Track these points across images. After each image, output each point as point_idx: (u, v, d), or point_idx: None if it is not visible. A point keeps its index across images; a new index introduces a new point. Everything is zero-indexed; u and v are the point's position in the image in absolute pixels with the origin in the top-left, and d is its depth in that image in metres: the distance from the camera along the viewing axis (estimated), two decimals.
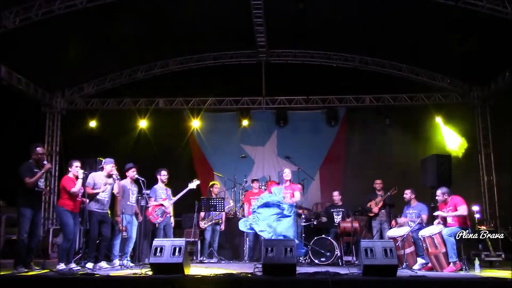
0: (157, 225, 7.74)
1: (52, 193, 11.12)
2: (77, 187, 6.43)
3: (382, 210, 8.38)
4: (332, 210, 8.83)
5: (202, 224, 8.80)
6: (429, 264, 6.76)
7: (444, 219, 6.88)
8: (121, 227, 7.23)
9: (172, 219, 8.02)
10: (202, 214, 8.93)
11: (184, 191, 8.02)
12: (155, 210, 7.75)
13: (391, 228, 7.98)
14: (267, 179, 10.43)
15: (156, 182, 8.02)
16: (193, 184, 8.11)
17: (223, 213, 8.81)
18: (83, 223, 6.69)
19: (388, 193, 8.29)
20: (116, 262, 7.04)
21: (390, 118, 11.76)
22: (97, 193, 6.77)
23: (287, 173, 7.54)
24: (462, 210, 6.63)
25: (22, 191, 6.09)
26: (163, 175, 8.01)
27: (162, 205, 7.79)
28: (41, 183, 6.28)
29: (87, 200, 6.62)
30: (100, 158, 7.81)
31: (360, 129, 12.12)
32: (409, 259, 6.97)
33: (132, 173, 7.46)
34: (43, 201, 11.03)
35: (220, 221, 8.86)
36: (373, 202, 8.44)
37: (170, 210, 7.93)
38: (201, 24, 10.26)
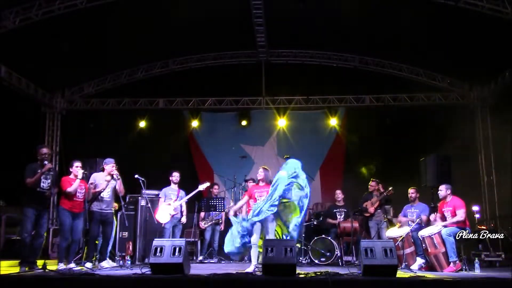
0: (163, 225, 7.76)
1: (54, 194, 11.11)
2: (73, 187, 6.46)
3: (378, 210, 8.38)
4: (334, 210, 8.83)
5: (202, 224, 8.83)
6: (425, 265, 6.78)
7: (443, 219, 6.89)
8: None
9: (184, 218, 8.06)
10: (202, 214, 8.96)
11: (193, 192, 8.08)
12: (161, 211, 7.78)
13: (389, 228, 8.00)
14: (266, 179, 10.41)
15: (156, 183, 8.05)
16: (203, 186, 8.19)
17: (223, 213, 8.83)
18: (85, 223, 6.71)
19: (385, 194, 8.29)
20: (106, 262, 7.04)
21: (390, 118, 11.79)
22: (99, 193, 6.78)
23: (260, 173, 6.73)
24: (460, 215, 6.65)
25: (25, 191, 6.14)
26: (175, 176, 8.04)
27: (169, 205, 7.82)
28: (45, 184, 6.27)
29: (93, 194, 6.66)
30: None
31: (360, 129, 12.11)
32: (408, 259, 6.97)
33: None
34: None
35: (220, 221, 8.88)
36: (369, 203, 8.44)
37: (181, 210, 7.94)
38: (201, 24, 10.26)
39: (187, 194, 8.09)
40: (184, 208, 8.07)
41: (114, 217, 7.64)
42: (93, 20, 9.50)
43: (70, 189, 6.44)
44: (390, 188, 8.27)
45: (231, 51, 12.26)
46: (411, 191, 7.68)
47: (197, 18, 9.95)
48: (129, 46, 10.84)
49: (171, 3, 9.45)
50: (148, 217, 8.11)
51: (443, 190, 6.92)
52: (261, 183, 6.58)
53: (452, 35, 9.63)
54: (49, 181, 6.32)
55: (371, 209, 8.37)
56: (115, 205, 7.58)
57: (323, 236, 8.20)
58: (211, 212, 8.81)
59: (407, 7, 9.20)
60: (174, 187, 8.05)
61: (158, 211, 7.80)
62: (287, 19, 10.40)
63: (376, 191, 8.50)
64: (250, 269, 5.94)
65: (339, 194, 8.93)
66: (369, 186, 8.60)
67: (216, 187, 9.32)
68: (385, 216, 8.27)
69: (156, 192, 8.23)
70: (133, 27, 9.86)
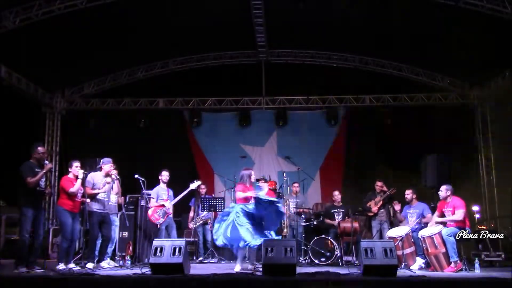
0: (158, 226, 7.73)
1: (53, 193, 11.15)
2: (75, 187, 6.44)
3: (382, 210, 8.38)
4: (332, 211, 8.84)
5: (191, 225, 8.82)
6: (425, 265, 6.79)
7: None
8: None
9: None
10: (190, 215, 8.96)
11: (185, 191, 8.00)
12: (156, 211, 7.75)
13: (390, 227, 8.00)
14: (267, 179, 10.43)
15: (158, 183, 8.03)
16: (194, 185, 8.11)
17: (212, 213, 8.80)
18: (83, 223, 6.70)
19: (388, 193, 8.29)
20: (106, 262, 7.03)
21: (390, 118, 11.81)
22: (97, 193, 6.77)
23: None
24: (458, 215, 6.64)
25: (23, 191, 6.11)
26: (164, 175, 8.00)
27: (163, 205, 7.79)
28: (42, 183, 6.28)
29: (88, 200, 6.63)
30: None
31: (360, 129, 12.12)
32: (408, 259, 6.97)
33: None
34: (43, 201, 11.03)
35: (209, 221, 8.86)
36: (372, 202, 8.44)
37: (171, 211, 7.93)
38: (201, 24, 10.25)
39: (175, 193, 8.04)
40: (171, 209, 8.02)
41: (117, 217, 7.63)
42: (93, 20, 9.49)
43: (73, 190, 6.43)
44: (393, 188, 8.27)
45: (231, 51, 12.25)
46: (407, 192, 7.68)
47: (197, 18, 9.95)
48: (129, 46, 10.84)
49: (171, 3, 9.44)
50: (148, 217, 8.11)
51: (443, 191, 6.92)
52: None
53: (452, 35, 9.62)
54: (44, 179, 6.34)
55: (375, 209, 8.37)
56: (121, 198, 7.62)
57: (323, 236, 8.20)
58: (199, 212, 8.82)
59: (407, 7, 9.20)
60: (163, 186, 7.99)
61: (151, 211, 7.75)
62: (287, 19, 10.39)
63: (380, 192, 8.50)
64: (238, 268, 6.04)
65: (337, 195, 8.93)
66: (375, 186, 8.57)
67: (202, 186, 9.25)
68: (389, 215, 8.29)
69: None
70: (133, 27, 9.86)
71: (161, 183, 7.99)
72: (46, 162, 6.30)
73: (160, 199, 7.84)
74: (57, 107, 12.38)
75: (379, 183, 8.56)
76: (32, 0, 8.85)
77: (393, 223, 8.33)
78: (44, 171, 6.20)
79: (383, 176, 8.96)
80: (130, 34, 10.07)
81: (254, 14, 9.97)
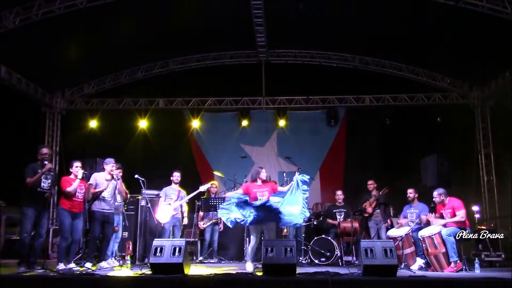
0: (162, 225, 7.74)
1: (53, 193, 11.14)
2: (72, 187, 6.45)
3: (377, 210, 8.39)
4: (334, 210, 8.83)
5: (201, 224, 8.82)
6: (425, 266, 6.79)
7: (441, 218, 6.88)
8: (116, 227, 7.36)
9: (186, 220, 8.07)
10: (201, 214, 8.96)
11: (194, 193, 8.04)
12: (161, 211, 7.77)
13: (387, 227, 8.00)
14: (267, 180, 10.42)
15: (156, 182, 8.04)
16: (204, 187, 8.15)
17: None
18: (86, 223, 6.71)
19: (380, 193, 8.29)
20: (110, 262, 7.04)
21: (390, 118, 11.81)
22: (100, 193, 6.78)
23: (264, 173, 7.13)
24: (461, 215, 6.63)
25: (25, 191, 6.14)
26: (175, 176, 8.03)
27: (170, 205, 7.81)
28: (46, 184, 6.28)
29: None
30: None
31: (360, 129, 12.12)
32: (408, 259, 6.97)
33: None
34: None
35: (219, 221, 8.86)
36: (367, 203, 8.45)
37: (181, 210, 7.91)
38: (201, 24, 10.27)
39: (187, 194, 8.08)
40: (185, 209, 8.05)
41: (121, 217, 7.64)
42: (93, 20, 9.50)
43: (69, 189, 6.44)
44: (385, 187, 8.27)
45: (231, 51, 12.27)
46: (410, 191, 7.67)
47: (197, 18, 9.96)
48: (129, 46, 10.85)
49: (171, 3, 9.45)
50: (148, 217, 8.11)
51: (436, 197, 6.89)
52: (259, 182, 6.78)
53: (452, 35, 9.62)
54: (49, 181, 6.33)
55: (369, 209, 8.38)
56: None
57: (323, 236, 8.20)
58: (209, 212, 8.82)
59: (407, 7, 9.20)
60: (174, 187, 8.04)
61: (158, 210, 7.79)
62: (287, 19, 10.41)
63: (375, 190, 8.51)
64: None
65: (339, 195, 8.93)
66: (367, 186, 8.59)
67: (214, 185, 9.28)
68: (385, 217, 8.27)
69: (156, 192, 8.22)
70: (133, 27, 9.86)
71: (172, 183, 8.03)
72: (46, 162, 6.30)
73: (169, 198, 7.87)
74: (57, 107, 12.38)
75: (369, 182, 8.59)
76: (32, 0, 8.86)
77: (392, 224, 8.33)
78: (42, 171, 6.20)
79: (383, 176, 8.97)
80: (130, 34, 10.07)
81: (254, 14, 9.98)
